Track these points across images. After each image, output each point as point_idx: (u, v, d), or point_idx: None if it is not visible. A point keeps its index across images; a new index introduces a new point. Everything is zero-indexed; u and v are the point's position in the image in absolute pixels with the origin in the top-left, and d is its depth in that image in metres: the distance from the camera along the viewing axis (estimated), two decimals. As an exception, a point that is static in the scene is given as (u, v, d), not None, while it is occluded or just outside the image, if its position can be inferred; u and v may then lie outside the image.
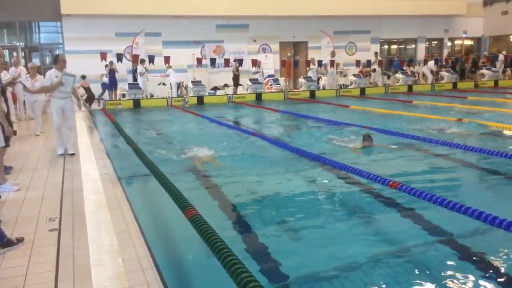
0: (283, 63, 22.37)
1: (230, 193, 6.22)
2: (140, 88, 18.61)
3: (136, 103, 18.14)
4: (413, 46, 27.04)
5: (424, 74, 23.53)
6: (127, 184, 6.38)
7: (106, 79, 19.05)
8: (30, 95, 10.68)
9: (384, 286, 3.51)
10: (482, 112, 12.99)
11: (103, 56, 18.93)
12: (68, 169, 7.22)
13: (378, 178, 5.83)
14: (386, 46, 27.15)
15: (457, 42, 28.33)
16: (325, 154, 7.75)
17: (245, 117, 15.46)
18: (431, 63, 23.26)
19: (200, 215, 4.18)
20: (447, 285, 3.51)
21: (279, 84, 21.46)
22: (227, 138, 10.22)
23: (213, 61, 21.09)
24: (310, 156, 7.71)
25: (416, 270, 3.82)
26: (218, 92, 20.88)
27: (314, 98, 19.99)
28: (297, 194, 6.10)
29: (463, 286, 3.50)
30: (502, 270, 3.78)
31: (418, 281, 3.60)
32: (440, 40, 27.35)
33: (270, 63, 23.32)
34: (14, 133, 6.66)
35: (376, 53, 22.92)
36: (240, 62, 20.36)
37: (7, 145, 6.22)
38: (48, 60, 21.27)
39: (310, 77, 21.31)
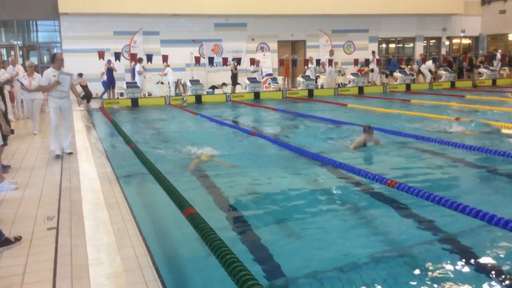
0: (281, 62, 22.36)
1: (229, 191, 6.22)
2: (138, 87, 18.59)
3: (134, 102, 18.12)
4: (411, 45, 27.06)
5: (420, 73, 23.49)
6: (125, 183, 6.38)
7: (105, 77, 19.03)
8: (27, 94, 10.65)
9: (382, 284, 3.52)
10: (480, 111, 13.01)
11: (101, 54, 18.90)
12: (66, 168, 7.21)
13: (376, 177, 5.85)
14: (384, 45, 27.17)
15: (455, 41, 28.36)
16: (323, 153, 7.76)
17: (243, 116, 15.45)
18: (429, 62, 23.28)
19: (198, 214, 4.18)
20: (445, 283, 3.52)
21: (277, 83, 21.44)
22: (225, 137, 10.22)
23: (211, 60, 21.08)
24: (308, 155, 7.71)
25: (414, 268, 3.83)
26: (216, 91, 20.86)
27: (312, 97, 19.99)
28: (296, 192, 6.10)
29: (461, 284, 3.51)
30: (499, 268, 3.79)
31: (416, 279, 3.60)
32: (438, 39, 27.37)
33: (268, 62, 23.32)
34: (12, 131, 6.65)
35: (373, 52, 22.93)
36: (238, 61, 20.35)
37: (4, 143, 6.21)
38: (46, 58, 21.23)
39: (308, 76, 21.31)
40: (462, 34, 27.33)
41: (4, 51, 20.86)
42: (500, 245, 4.21)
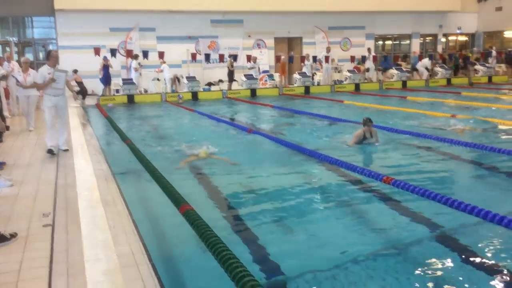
0: (277, 59, 22.35)
1: (225, 188, 6.22)
2: (134, 83, 18.54)
3: (130, 98, 18.07)
4: (408, 42, 27.09)
5: (414, 70, 23.48)
6: (121, 179, 6.36)
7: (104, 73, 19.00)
8: (22, 90, 10.59)
9: (379, 281, 3.53)
10: (476, 108, 13.06)
11: (97, 51, 18.82)
12: (61, 164, 7.19)
13: (372, 174, 5.86)
14: (380, 42, 27.18)
15: (451, 38, 28.41)
16: (319, 150, 7.76)
17: (239, 113, 15.45)
18: (425, 60, 23.30)
19: (194, 211, 4.18)
20: (441, 279, 3.54)
21: (274, 79, 21.43)
22: (221, 134, 10.22)
23: (207, 57, 21.02)
24: (305, 152, 7.72)
25: (411, 265, 3.84)
26: (213, 88, 20.83)
27: (309, 93, 19.99)
28: (292, 189, 6.11)
29: (457, 280, 3.52)
30: (495, 264, 3.80)
31: (413, 276, 3.62)
32: (435, 36, 27.42)
33: (265, 58, 23.29)
34: (7, 128, 6.63)
35: (369, 49, 22.92)
36: (234, 57, 20.32)
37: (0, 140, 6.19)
38: (41, 55, 21.13)
39: (305, 72, 21.30)
40: (458, 31, 27.38)
41: (-1, 47, 20.77)
42: (495, 241, 4.23)
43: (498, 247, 4.13)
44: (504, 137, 9.18)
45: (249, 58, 20.68)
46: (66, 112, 8.45)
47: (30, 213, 4.86)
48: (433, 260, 3.91)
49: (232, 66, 20.12)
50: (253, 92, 19.60)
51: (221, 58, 20.56)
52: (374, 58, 22.68)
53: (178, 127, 12.31)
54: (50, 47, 20.54)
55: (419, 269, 3.74)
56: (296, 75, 21.33)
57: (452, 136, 8.67)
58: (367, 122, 8.32)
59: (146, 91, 19.91)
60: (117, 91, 19.01)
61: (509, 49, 24.75)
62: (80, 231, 4.26)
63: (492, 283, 3.50)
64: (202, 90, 19.83)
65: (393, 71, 22.45)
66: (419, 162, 7.59)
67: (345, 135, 9.09)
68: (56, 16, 20.03)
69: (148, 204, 5.69)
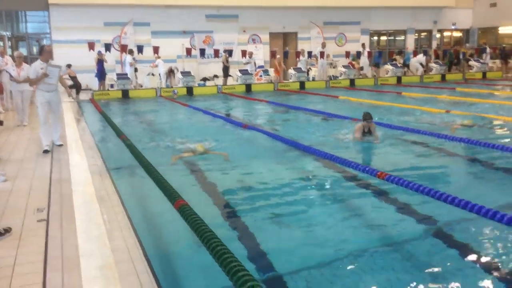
0: (273, 54, 22.31)
1: (220, 184, 6.22)
2: (129, 78, 18.46)
3: (125, 93, 18.00)
4: (403, 37, 27.13)
5: (405, 66, 23.48)
6: (115, 174, 6.35)
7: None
8: (16, 85, 10.52)
9: (374, 275, 3.55)
10: (471, 104, 13.12)
11: (91, 46, 18.72)
12: (56, 159, 7.17)
13: (367, 169, 5.89)
14: (376, 38, 27.20)
15: (446, 34, 28.47)
16: (314, 145, 7.77)
17: (235, 108, 15.43)
18: (420, 56, 23.35)
19: (188, 206, 4.18)
20: (437, 273, 3.56)
21: (269, 75, 21.41)
22: (216, 129, 10.21)
23: (202, 52, 20.96)
24: (300, 147, 7.73)
25: (405, 260, 3.86)
26: (208, 83, 20.78)
27: (304, 89, 19.98)
28: (287, 185, 6.12)
29: (452, 274, 3.55)
30: (488, 258, 3.84)
31: (408, 271, 3.64)
32: (429, 32, 27.47)
33: (260, 54, 23.26)
34: (1, 123, 6.60)
35: (363, 44, 22.93)
36: (230, 52, 20.26)
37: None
38: (35, 49, 20.99)
39: (300, 68, 21.29)
40: (453, 27, 27.45)
41: (-8, 41, 20.61)
42: (489, 236, 4.26)
43: (492, 241, 4.16)
44: (497, 132, 9.23)
45: (244, 53, 20.64)
46: (60, 108, 8.37)
47: (24, 208, 4.85)
48: (428, 255, 3.93)
49: (227, 61, 20.07)
50: (248, 87, 19.57)
51: (216, 53, 20.51)
52: (369, 54, 22.69)
53: (173, 122, 12.28)
54: (44, 42, 20.42)
55: (415, 264, 3.77)
56: (291, 71, 21.31)
57: (446, 132, 8.71)
58: (366, 117, 8.13)
59: (141, 86, 19.84)
60: (112, 86, 18.93)
61: (504, 45, 24.83)
62: (75, 226, 4.26)
63: (486, 277, 3.53)
64: (197, 85, 19.78)
65: (388, 66, 22.48)
66: (414, 157, 7.62)
67: (341, 131, 9.10)
68: (50, 10, 19.91)
69: (143, 199, 5.69)
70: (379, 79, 21.63)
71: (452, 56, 24.67)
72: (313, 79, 21.72)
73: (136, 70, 19.51)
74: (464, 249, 4.01)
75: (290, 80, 21.04)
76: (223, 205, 5.41)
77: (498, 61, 24.81)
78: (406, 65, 23.32)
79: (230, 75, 20.36)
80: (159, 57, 19.60)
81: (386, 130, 9.05)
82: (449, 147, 7.89)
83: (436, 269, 3.62)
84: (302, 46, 23.39)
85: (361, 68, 22.51)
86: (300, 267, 3.72)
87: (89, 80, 19.22)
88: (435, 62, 23.40)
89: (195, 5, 21.21)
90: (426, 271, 3.62)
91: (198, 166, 7.05)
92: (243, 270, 2.89)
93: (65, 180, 5.93)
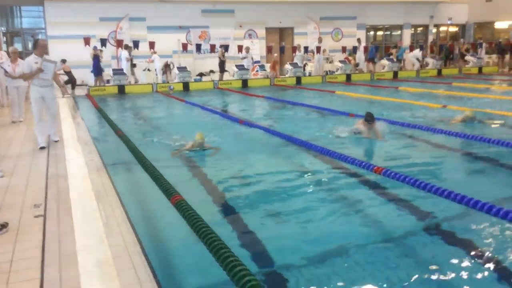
0: (269, 49, 22.28)
1: (216, 179, 6.23)
2: (125, 74, 18.41)
3: (121, 89, 17.95)
4: (399, 32, 27.13)
5: (398, 61, 23.48)
6: (112, 170, 6.34)
7: (101, 64, 18.86)
8: (11, 81, 10.46)
9: (372, 269, 3.56)
10: (467, 98, 13.15)
11: (87, 41, 18.65)
12: (52, 155, 7.15)
13: (363, 164, 5.90)
14: (372, 32, 27.20)
15: (442, 29, 28.50)
16: (311, 140, 7.78)
17: (231, 104, 15.42)
18: (416, 50, 23.37)
19: (185, 201, 4.18)
20: (433, 268, 3.58)
21: (265, 70, 21.40)
22: (213, 125, 10.20)
23: (198, 47, 20.92)
24: (296, 142, 7.74)
25: (403, 254, 3.88)
26: (204, 78, 20.75)
27: (300, 84, 19.98)
28: (284, 180, 6.13)
29: (448, 268, 3.57)
30: (485, 252, 3.87)
31: (405, 265, 3.66)
32: (426, 27, 27.48)
33: (256, 49, 23.22)
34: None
35: (358, 39, 22.91)
36: (226, 47, 20.22)
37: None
38: (30, 45, 20.87)
39: (296, 63, 21.28)
40: (449, 22, 27.47)
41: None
42: (486, 230, 4.29)
43: (489, 236, 4.19)
44: (494, 126, 9.26)
45: (240, 48, 20.60)
46: (55, 104, 8.15)
47: (21, 204, 4.84)
48: (425, 249, 3.96)
49: (223, 56, 20.03)
50: (245, 82, 19.55)
51: (212, 48, 20.46)
52: (365, 49, 22.69)
53: (169, 118, 12.27)
54: (39, 37, 20.29)
55: (412, 258, 3.79)
56: (287, 66, 21.30)
57: (443, 126, 8.74)
58: (368, 118, 7.94)
59: (136, 81, 19.79)
60: (108, 81, 18.87)
61: (500, 40, 24.87)
62: (72, 222, 4.26)
63: (483, 271, 3.56)
64: (193, 80, 19.75)
65: (384, 61, 22.50)
66: (411, 152, 7.64)
67: (338, 126, 9.09)
68: (45, 5, 19.79)
69: (140, 195, 5.69)
70: (376, 74, 21.65)
71: (447, 51, 24.72)
72: (310, 74, 21.72)
73: (134, 65, 19.47)
74: (461, 243, 4.04)
75: (287, 75, 21.02)
76: (219, 200, 5.42)
77: (494, 56, 24.86)
78: (398, 60, 23.32)
79: (226, 71, 20.33)
80: (155, 53, 19.55)
81: (384, 125, 9.05)
82: (445, 141, 7.92)
83: (433, 263, 3.65)
84: (298, 41, 23.35)
85: (357, 64, 22.52)
86: (297, 261, 3.73)
87: (84, 75, 19.15)
88: (432, 57, 23.43)
89: (191, 0, 21.12)
90: (424, 265, 3.64)
91: (194, 162, 7.06)
92: (240, 265, 2.91)
93: (61, 175, 5.92)
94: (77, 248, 3.68)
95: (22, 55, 16.51)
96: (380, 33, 27.43)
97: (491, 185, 5.79)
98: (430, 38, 27.36)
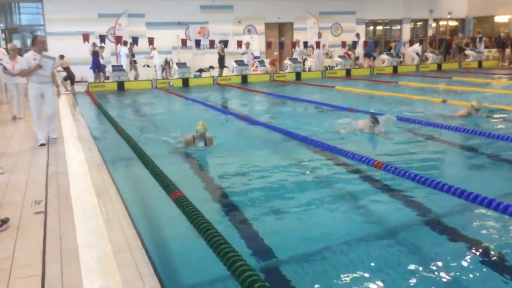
0: (268, 45, 22.23)
1: (216, 174, 6.24)
2: (124, 70, 18.38)
3: (120, 85, 17.93)
4: (399, 27, 27.07)
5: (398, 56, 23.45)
6: (112, 166, 6.35)
7: (102, 61, 18.82)
8: (11, 78, 10.44)
9: (371, 263, 3.57)
10: (468, 92, 13.14)
11: (86, 37, 18.61)
12: (52, 152, 7.15)
13: (363, 159, 5.90)
14: (371, 27, 27.13)
15: (442, 23, 28.43)
16: (311, 135, 7.78)
17: (231, 99, 15.41)
18: (416, 45, 23.32)
19: (185, 197, 4.19)
20: (432, 262, 3.60)
21: (265, 65, 21.37)
22: (212, 121, 10.18)
23: (198, 43, 20.88)
24: (296, 137, 7.74)
25: (403, 248, 3.89)
26: (204, 74, 20.72)
27: (300, 80, 19.96)
28: (284, 175, 6.13)
29: (448, 262, 3.58)
30: (484, 246, 3.88)
31: (404, 259, 3.67)
32: (425, 21, 27.42)
33: (256, 44, 23.17)
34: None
35: (357, 34, 22.87)
36: (225, 43, 20.18)
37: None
38: (29, 42, 20.83)
39: (296, 58, 21.24)
40: (448, 16, 27.40)
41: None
42: (485, 224, 4.30)
43: (488, 229, 4.20)
44: (493, 121, 9.26)
45: (239, 44, 20.56)
46: (54, 100, 8.03)
47: (21, 201, 4.85)
48: (425, 243, 3.97)
49: (222, 52, 19.99)
50: (244, 78, 19.53)
51: (212, 44, 20.43)
52: (365, 44, 22.65)
53: (169, 114, 12.27)
54: (38, 34, 20.24)
55: (411, 252, 3.80)
56: (287, 61, 21.27)
57: (443, 121, 8.74)
58: (373, 119, 7.94)
59: (136, 77, 19.77)
60: (107, 77, 18.85)
61: (500, 34, 24.82)
62: (73, 218, 4.27)
63: (481, 265, 3.57)
64: (193, 76, 19.73)
65: (384, 56, 22.47)
66: (411, 147, 7.64)
67: (338, 121, 9.10)
68: (44, 2, 19.74)
69: (140, 190, 5.70)
70: (375, 69, 21.62)
71: (446, 46, 24.67)
72: (309, 70, 21.69)
73: (135, 62, 19.45)
74: (461, 237, 4.05)
75: (286, 71, 20.99)
76: (219, 195, 5.43)
77: (494, 50, 24.80)
78: (397, 55, 23.27)
79: (225, 66, 20.30)
80: (154, 49, 19.52)
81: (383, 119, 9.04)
82: (445, 136, 7.91)
83: (434, 258, 3.66)
84: (297, 36, 23.31)
85: (357, 58, 22.48)
86: (297, 256, 3.74)
87: (84, 72, 19.11)
88: (432, 52, 23.39)
89: (190, -5, 21.10)
90: (423, 259, 3.65)
91: (194, 157, 7.06)
92: (241, 260, 2.91)
93: (62, 172, 5.92)
94: (78, 244, 3.69)
95: (21, 52, 16.49)
96: (379, 27, 27.36)
97: (491, 179, 5.80)
98: (430, 33, 27.29)
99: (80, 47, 18.58)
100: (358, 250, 3.82)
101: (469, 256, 3.69)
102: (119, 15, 20.43)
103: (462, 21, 28.37)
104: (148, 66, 20.18)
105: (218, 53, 20.02)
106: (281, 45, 22.22)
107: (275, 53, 21.33)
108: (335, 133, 8.34)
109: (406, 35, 26.44)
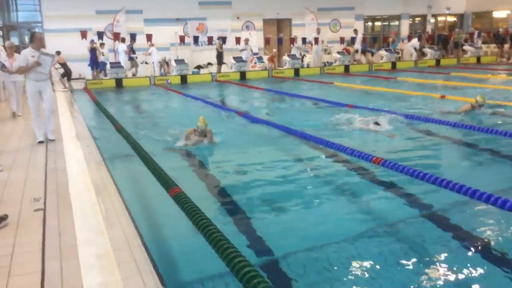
0: (267, 41, 22.19)
1: (215, 170, 6.25)
2: (122, 67, 18.34)
3: (118, 82, 17.89)
4: (397, 22, 27.04)
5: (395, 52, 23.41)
6: (111, 163, 6.35)
7: (104, 58, 18.79)
8: (9, 76, 10.42)
9: (370, 260, 3.58)
10: (465, 88, 13.15)
11: (84, 34, 18.56)
12: (51, 149, 7.15)
13: (362, 155, 5.90)
14: (370, 23, 27.09)
15: (440, 18, 28.39)
16: (309, 131, 7.77)
17: (229, 96, 15.40)
18: (414, 40, 23.31)
19: (184, 193, 4.19)
20: (432, 257, 3.61)
21: (263, 62, 21.35)
22: (211, 117, 10.17)
23: (196, 39, 20.82)
24: (295, 133, 7.74)
25: (402, 244, 3.90)
26: (202, 71, 20.69)
27: (299, 76, 19.94)
28: (283, 170, 6.14)
29: (447, 257, 3.60)
30: (483, 241, 3.89)
31: (403, 255, 3.68)
32: (424, 17, 27.39)
33: (254, 40, 23.12)
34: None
35: (355, 30, 22.83)
36: (223, 39, 20.14)
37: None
38: (27, 39, 20.77)
39: (294, 54, 21.21)
40: (447, 12, 27.37)
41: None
42: (484, 219, 4.31)
43: (486, 224, 4.22)
44: (492, 116, 9.26)
45: (238, 40, 20.52)
46: (52, 98, 8.03)
47: (20, 198, 4.85)
48: (424, 239, 3.98)
49: (221, 48, 19.95)
50: (243, 74, 19.49)
51: (210, 40, 20.39)
52: (364, 40, 22.63)
53: (167, 111, 12.26)
54: (36, 31, 20.19)
55: (410, 248, 3.81)
56: (285, 57, 21.23)
57: (440, 117, 8.74)
58: (375, 123, 8.03)
59: (134, 74, 19.74)
60: (105, 74, 18.81)
61: (498, 29, 24.79)
62: (72, 215, 4.27)
63: (481, 260, 3.58)
64: (191, 73, 19.69)
65: (383, 52, 22.45)
66: (409, 142, 7.65)
67: (337, 117, 9.09)
68: (41, -1, 19.68)
69: (139, 187, 5.70)
70: (374, 65, 21.61)
71: (444, 41, 24.66)
72: (308, 66, 21.66)
73: (136, 57, 19.42)
74: (460, 233, 4.06)
75: (285, 67, 20.97)
76: (218, 191, 5.44)
77: (492, 46, 24.79)
78: (394, 50, 23.22)
79: (224, 63, 20.26)
80: (152, 45, 19.47)
81: (382, 115, 9.05)
82: (443, 131, 7.92)
83: (432, 253, 3.67)
84: (296, 32, 23.27)
85: (356, 51, 22.41)
86: (296, 251, 3.75)
87: (82, 69, 19.07)
88: (430, 47, 23.38)
89: (188, -8, 21.04)
90: (423, 255, 3.66)
91: (193, 154, 7.06)
92: (240, 256, 2.92)
93: (60, 169, 5.93)
94: (77, 242, 3.69)
95: (19, 49, 16.44)
96: (378, 23, 27.32)
97: (490, 175, 5.81)
98: (429, 28, 27.26)
99: (78, 44, 18.54)
100: (358, 246, 3.83)
101: (470, 252, 3.70)
102: (117, 11, 20.37)
103: (461, 17, 28.34)
104: (146, 63, 20.13)
105: (217, 49, 19.98)
106: (280, 41, 22.18)
107: (274, 50, 21.30)
108: (334, 129, 8.33)
109: (404, 30, 26.41)
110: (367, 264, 3.52)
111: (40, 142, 7.55)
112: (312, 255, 3.71)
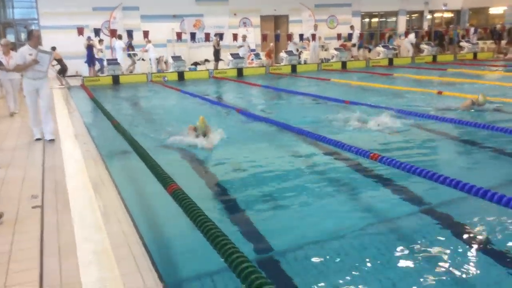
0: (264, 37, 22.17)
1: (214, 167, 6.25)
2: (119, 63, 18.30)
3: (115, 79, 17.86)
4: (394, 19, 27.04)
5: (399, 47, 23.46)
6: (109, 160, 6.34)
7: (102, 54, 18.73)
8: (6, 74, 10.37)
9: (368, 255, 3.60)
10: (462, 84, 13.17)
11: (80, 31, 18.50)
12: (48, 147, 7.14)
13: (359, 151, 5.91)
14: (367, 19, 27.08)
15: (437, 14, 28.40)
16: (307, 128, 7.78)
17: (227, 93, 15.39)
18: (411, 36, 23.32)
19: (181, 190, 4.19)
20: (430, 252, 3.63)
21: (261, 58, 21.33)
22: (209, 114, 10.17)
23: (193, 36, 20.78)
24: (293, 130, 7.75)
25: (400, 240, 3.92)
26: (199, 68, 20.65)
27: (296, 72, 19.94)
28: (281, 167, 6.15)
29: (445, 253, 3.62)
30: (481, 236, 3.92)
31: (402, 251, 3.69)
32: (421, 13, 27.39)
33: (251, 37, 23.10)
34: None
35: (351, 27, 22.80)
36: (220, 36, 20.10)
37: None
38: (23, 36, 20.69)
39: (291, 51, 21.19)
40: (444, 8, 27.37)
41: (-21, 28, 20.28)
42: (481, 215, 4.33)
43: (483, 220, 4.24)
44: (489, 112, 9.28)
45: (235, 36, 20.48)
46: (49, 96, 7.92)
47: (18, 195, 4.85)
48: (421, 235, 3.99)
49: (218, 45, 19.92)
50: (240, 71, 19.48)
51: (207, 37, 20.35)
52: (361, 36, 22.62)
53: (164, 107, 12.23)
54: (32, 28, 20.11)
55: (408, 244, 3.82)
56: (282, 54, 21.22)
57: (436, 113, 8.75)
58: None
59: (131, 71, 19.70)
60: (102, 72, 18.76)
61: (495, 25, 24.82)
62: (70, 212, 4.27)
63: (479, 255, 3.60)
64: (188, 70, 19.66)
65: (380, 48, 22.46)
66: (407, 139, 7.66)
67: (334, 113, 9.11)
68: (37, -4, 19.59)
69: (137, 184, 5.70)
70: (371, 61, 21.62)
71: (441, 37, 24.67)
72: (305, 62, 21.65)
73: (135, 54, 19.37)
74: (458, 228, 4.08)
75: (282, 64, 20.95)
76: (216, 188, 5.44)
77: (489, 42, 24.82)
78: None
79: (221, 59, 20.23)
80: (149, 42, 19.42)
81: (377, 112, 9.07)
82: (440, 127, 7.94)
83: (428, 249, 3.69)
84: (293, 29, 23.26)
85: (354, 45, 22.39)
86: (295, 248, 3.76)
87: (78, 66, 19.02)
88: (427, 44, 23.40)
89: (185, -12, 20.98)
90: (421, 251, 3.68)
91: (191, 151, 7.06)
92: (238, 252, 2.93)
93: (58, 166, 5.92)
94: (75, 238, 3.70)
95: (15, 46, 16.38)
96: (375, 20, 27.32)
97: (486, 170, 5.83)
98: (425, 25, 27.27)
99: (75, 41, 18.48)
100: (356, 242, 3.84)
101: (466, 247, 3.73)
102: (113, 8, 20.32)
103: (458, 13, 28.35)
104: (143, 59, 20.09)
105: (213, 46, 19.95)
106: (277, 37, 22.17)
107: (271, 44, 21.27)
108: (331, 125, 8.34)
109: (401, 27, 26.41)
110: (365, 260, 3.53)
111: (38, 139, 7.53)
112: (310, 251, 3.72)
